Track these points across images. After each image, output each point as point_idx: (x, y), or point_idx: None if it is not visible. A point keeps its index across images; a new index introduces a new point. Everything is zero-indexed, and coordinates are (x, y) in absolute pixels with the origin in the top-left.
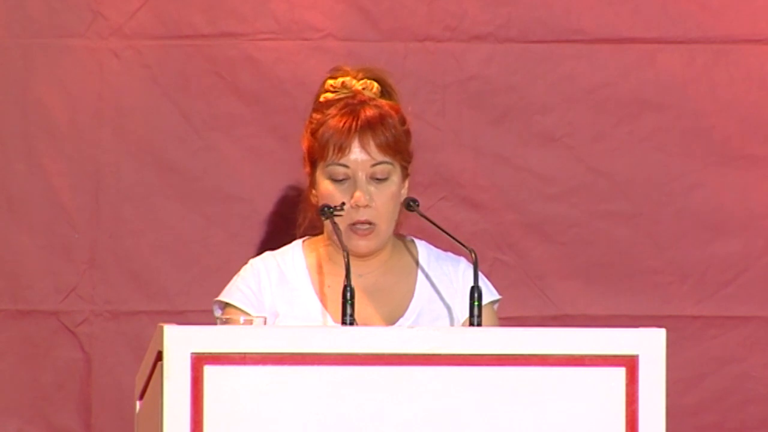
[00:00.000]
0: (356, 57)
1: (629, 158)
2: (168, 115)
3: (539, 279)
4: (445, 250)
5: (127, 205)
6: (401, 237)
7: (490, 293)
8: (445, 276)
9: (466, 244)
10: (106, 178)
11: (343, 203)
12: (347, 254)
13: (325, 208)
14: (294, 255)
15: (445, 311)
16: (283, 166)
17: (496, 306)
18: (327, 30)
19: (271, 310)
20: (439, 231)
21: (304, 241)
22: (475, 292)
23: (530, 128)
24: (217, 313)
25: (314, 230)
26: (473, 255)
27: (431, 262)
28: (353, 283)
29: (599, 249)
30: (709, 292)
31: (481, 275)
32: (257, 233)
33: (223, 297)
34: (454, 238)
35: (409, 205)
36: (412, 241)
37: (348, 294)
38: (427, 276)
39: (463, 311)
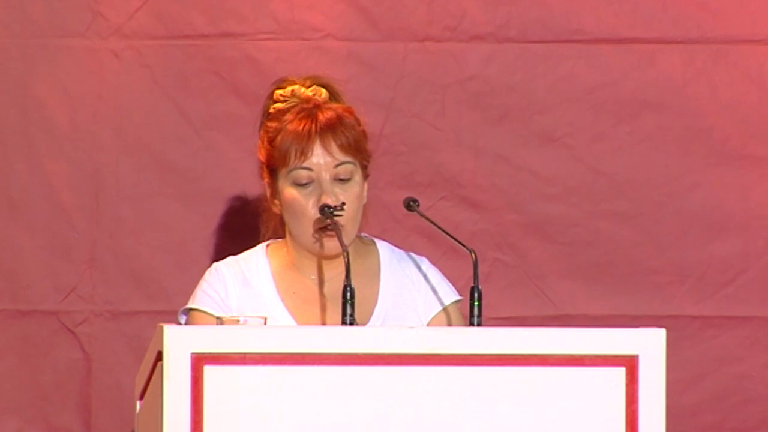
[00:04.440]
0: (356, 57)
1: (629, 158)
2: (168, 115)
3: (539, 279)
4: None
5: (127, 205)
6: (360, 238)
7: (453, 293)
8: (407, 278)
9: (466, 244)
10: (106, 178)
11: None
12: (347, 254)
13: (326, 208)
14: (258, 260)
15: (410, 313)
16: None
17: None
18: (327, 30)
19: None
20: (439, 231)
21: (267, 246)
22: (476, 292)
23: (530, 128)
24: (182, 320)
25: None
26: (473, 255)
27: (393, 264)
28: (317, 290)
29: (599, 249)
30: (708, 292)
31: (441, 276)
32: (257, 233)
33: (191, 304)
34: (454, 238)
35: (409, 205)
36: (373, 242)
37: (348, 294)
38: (390, 279)
39: (426, 310)
